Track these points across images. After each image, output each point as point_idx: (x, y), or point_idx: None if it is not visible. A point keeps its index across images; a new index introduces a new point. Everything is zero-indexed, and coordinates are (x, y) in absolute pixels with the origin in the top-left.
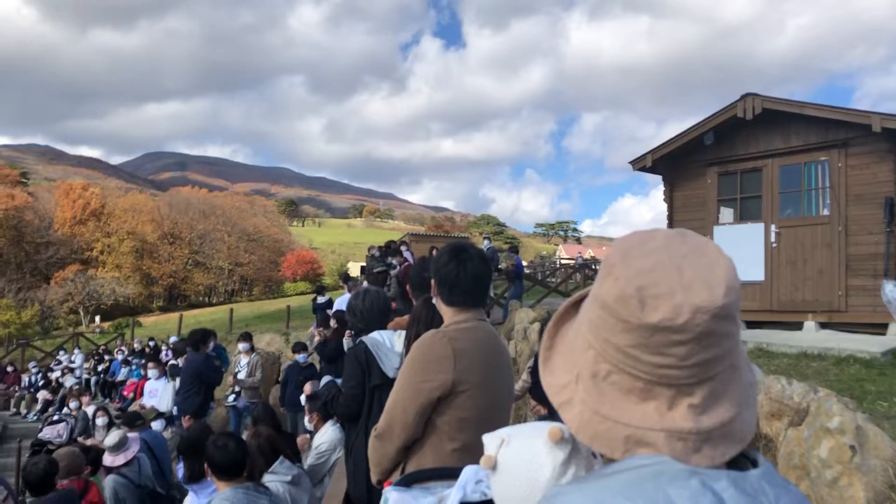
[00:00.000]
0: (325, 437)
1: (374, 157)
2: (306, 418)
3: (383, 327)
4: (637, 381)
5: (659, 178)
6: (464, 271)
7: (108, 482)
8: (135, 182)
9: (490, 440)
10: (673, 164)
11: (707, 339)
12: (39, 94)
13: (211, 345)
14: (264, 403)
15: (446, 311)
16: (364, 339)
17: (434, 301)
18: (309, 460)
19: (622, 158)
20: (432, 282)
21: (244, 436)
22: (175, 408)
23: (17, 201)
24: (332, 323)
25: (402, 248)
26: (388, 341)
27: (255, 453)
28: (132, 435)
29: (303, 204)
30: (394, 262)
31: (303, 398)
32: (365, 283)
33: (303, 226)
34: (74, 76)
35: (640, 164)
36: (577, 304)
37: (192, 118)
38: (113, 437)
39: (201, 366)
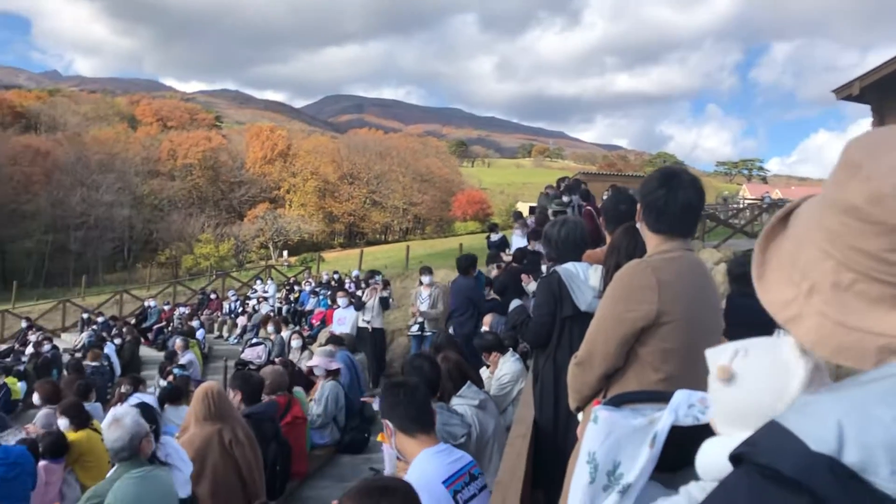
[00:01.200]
0: (506, 368)
1: (546, 95)
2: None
3: (577, 259)
4: (890, 287)
5: (865, 108)
6: (673, 199)
7: (328, 386)
8: (316, 125)
9: (718, 353)
10: (885, 92)
11: None
12: (230, 41)
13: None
14: (446, 332)
15: (651, 239)
16: (558, 269)
17: (638, 226)
18: (492, 392)
19: (817, 90)
20: (637, 207)
21: None
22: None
23: (213, 143)
24: (506, 257)
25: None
26: (582, 274)
27: (445, 377)
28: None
29: (472, 144)
30: (572, 199)
31: (483, 328)
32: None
33: (472, 166)
34: (261, 23)
35: (845, 93)
36: (785, 218)
37: (368, 61)
38: (326, 349)
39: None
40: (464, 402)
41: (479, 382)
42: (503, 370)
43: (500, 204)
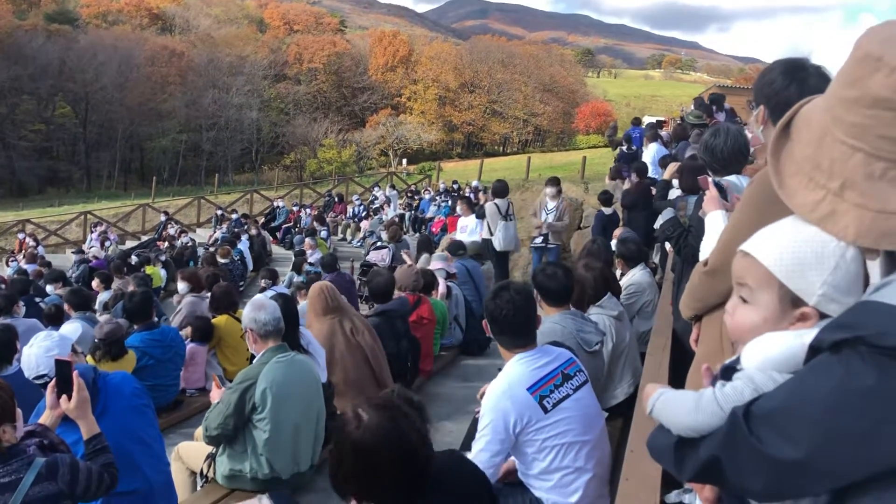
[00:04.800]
0: (636, 278)
1: (681, 2)
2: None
3: (739, 171)
4: None
5: None
6: (808, 93)
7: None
8: (438, 30)
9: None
10: None
11: None
12: None
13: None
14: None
15: None
16: (722, 181)
17: (758, 131)
18: (622, 299)
19: None
20: (760, 109)
21: None
22: None
23: (337, 48)
24: (634, 176)
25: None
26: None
27: (589, 285)
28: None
29: (600, 53)
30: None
31: (613, 243)
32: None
33: (598, 77)
34: None
35: None
36: (785, 128)
37: None
38: (442, 253)
39: None
40: (603, 313)
41: (618, 295)
42: (631, 279)
43: (625, 117)
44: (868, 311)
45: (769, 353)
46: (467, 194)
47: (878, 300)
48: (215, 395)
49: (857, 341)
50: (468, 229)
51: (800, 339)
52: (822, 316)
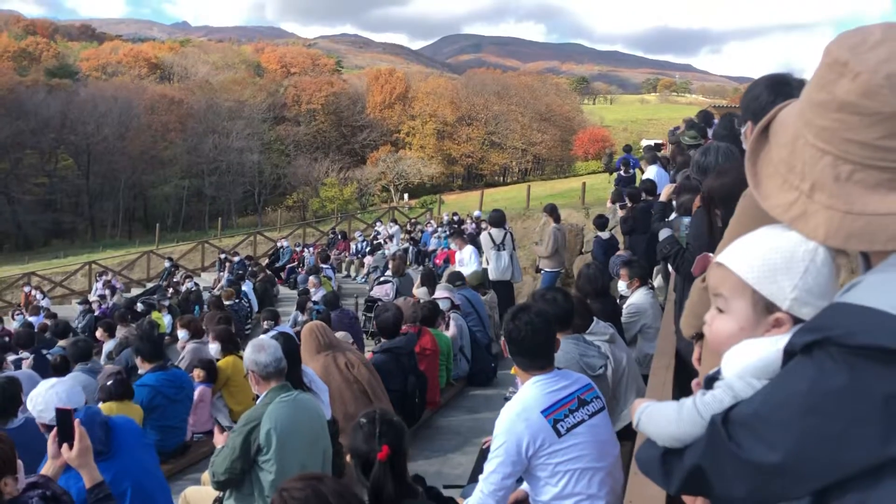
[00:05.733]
0: (636, 299)
1: (672, 25)
2: (620, 283)
3: None
4: (885, 172)
5: None
6: None
7: (452, 317)
8: (434, 66)
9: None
10: None
11: None
12: None
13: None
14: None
15: None
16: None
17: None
18: (623, 319)
19: None
20: (748, 125)
21: None
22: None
23: (335, 88)
24: (628, 202)
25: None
26: None
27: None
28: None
29: (594, 80)
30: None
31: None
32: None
33: (594, 104)
34: None
35: None
36: (764, 131)
37: None
38: (446, 284)
39: None
40: (596, 339)
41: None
42: (634, 300)
43: (622, 142)
44: (837, 313)
45: (746, 361)
46: (464, 226)
47: (847, 301)
48: (219, 439)
49: (826, 342)
50: (464, 261)
51: (775, 344)
52: (797, 321)
